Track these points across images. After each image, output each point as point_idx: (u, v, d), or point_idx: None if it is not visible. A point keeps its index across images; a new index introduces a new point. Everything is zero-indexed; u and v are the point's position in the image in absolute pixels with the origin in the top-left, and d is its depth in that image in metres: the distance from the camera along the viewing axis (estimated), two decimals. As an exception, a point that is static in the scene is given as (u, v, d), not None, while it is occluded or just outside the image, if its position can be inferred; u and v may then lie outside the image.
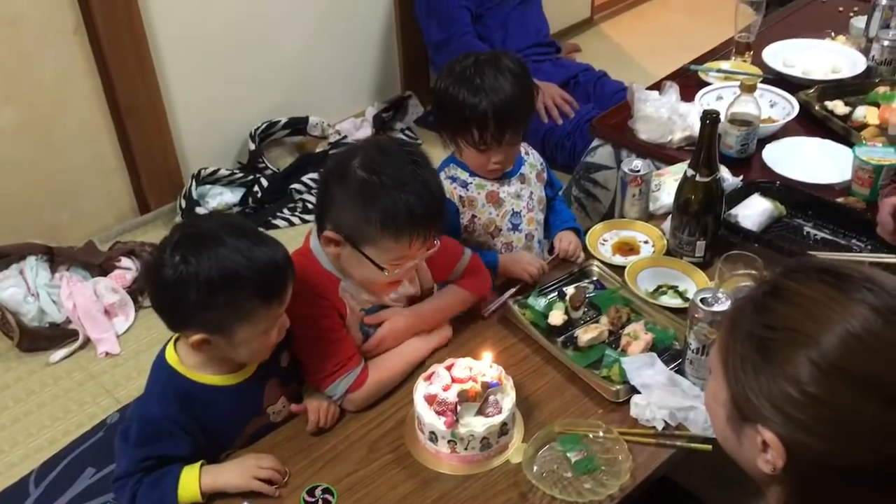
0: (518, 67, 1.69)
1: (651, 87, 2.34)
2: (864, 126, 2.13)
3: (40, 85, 2.64)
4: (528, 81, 1.71)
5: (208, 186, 3.07)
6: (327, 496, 1.33)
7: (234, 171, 3.14)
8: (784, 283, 0.92)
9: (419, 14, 3.27)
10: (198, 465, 1.34)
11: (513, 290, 1.70)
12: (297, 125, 3.29)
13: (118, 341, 2.51)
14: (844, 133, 2.13)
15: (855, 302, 0.86)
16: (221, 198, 3.06)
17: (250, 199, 3.07)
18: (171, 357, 1.39)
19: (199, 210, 2.96)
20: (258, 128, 3.19)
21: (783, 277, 0.93)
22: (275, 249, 1.33)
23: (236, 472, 1.33)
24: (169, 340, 1.41)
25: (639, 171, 1.87)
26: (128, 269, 2.66)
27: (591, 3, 4.53)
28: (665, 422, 1.39)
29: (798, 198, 1.88)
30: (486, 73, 1.64)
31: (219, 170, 3.08)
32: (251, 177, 3.11)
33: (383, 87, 3.66)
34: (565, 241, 1.83)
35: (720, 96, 2.31)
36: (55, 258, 2.62)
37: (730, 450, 1.00)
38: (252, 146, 3.17)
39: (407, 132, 3.54)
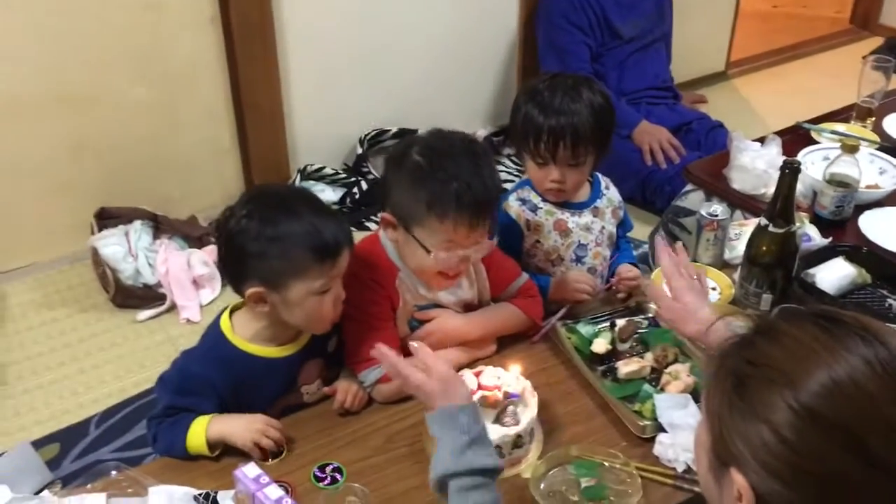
0: (599, 98, 1.67)
1: (757, 140, 2.27)
2: (981, 207, 2.00)
3: (173, 67, 2.83)
4: (605, 115, 1.68)
5: (312, 182, 3.19)
6: (336, 475, 1.36)
7: (339, 171, 3.25)
8: (775, 323, 0.88)
9: (539, 45, 3.31)
10: (209, 416, 1.39)
11: (563, 312, 1.68)
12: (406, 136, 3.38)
13: (200, 311, 2.65)
14: (956, 211, 2.00)
15: (844, 349, 0.81)
16: (323, 195, 3.15)
17: (348, 200, 3.17)
18: (224, 324, 1.46)
19: (300, 203, 3.08)
20: (368, 134, 3.30)
21: (777, 317, 0.89)
22: (337, 221, 1.40)
23: (242, 429, 1.37)
24: (226, 308, 1.49)
25: (716, 215, 1.82)
26: (222, 246, 2.80)
27: (726, 57, 4.44)
28: (687, 465, 1.34)
29: (887, 268, 1.78)
30: (556, 93, 1.64)
31: (324, 168, 3.20)
32: (353, 179, 3.21)
33: (497, 113, 3.70)
34: (632, 272, 1.80)
35: (827, 157, 2.20)
36: (159, 226, 2.81)
37: (711, 500, 0.93)
38: (360, 150, 3.28)
39: (513, 158, 3.56)
